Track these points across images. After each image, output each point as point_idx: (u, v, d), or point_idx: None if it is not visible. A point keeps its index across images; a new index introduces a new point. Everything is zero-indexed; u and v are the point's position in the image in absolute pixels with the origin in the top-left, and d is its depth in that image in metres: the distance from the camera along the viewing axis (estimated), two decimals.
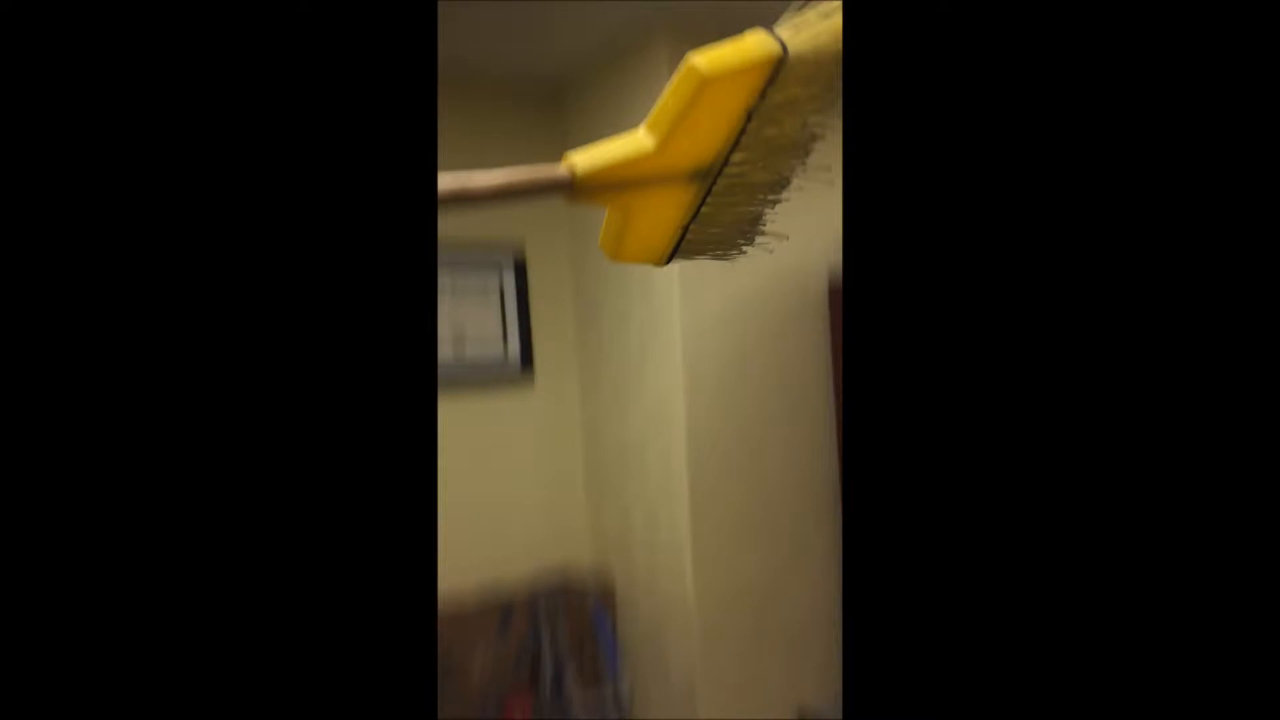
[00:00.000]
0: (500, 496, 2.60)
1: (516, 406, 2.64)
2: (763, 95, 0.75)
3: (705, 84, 0.73)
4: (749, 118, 0.76)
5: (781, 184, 0.85)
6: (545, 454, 2.69)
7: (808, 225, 2.21)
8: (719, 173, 0.80)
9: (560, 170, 0.75)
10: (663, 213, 0.81)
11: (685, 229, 0.84)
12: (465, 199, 0.72)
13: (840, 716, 2.20)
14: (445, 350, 2.50)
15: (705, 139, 0.77)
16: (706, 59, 0.73)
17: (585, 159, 0.76)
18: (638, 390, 2.40)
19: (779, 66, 0.74)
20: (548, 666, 2.34)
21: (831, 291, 2.36)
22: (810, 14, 0.76)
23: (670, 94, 0.74)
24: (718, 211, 0.83)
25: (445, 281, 2.51)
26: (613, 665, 2.41)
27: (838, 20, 0.75)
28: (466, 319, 2.54)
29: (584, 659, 2.40)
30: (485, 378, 2.57)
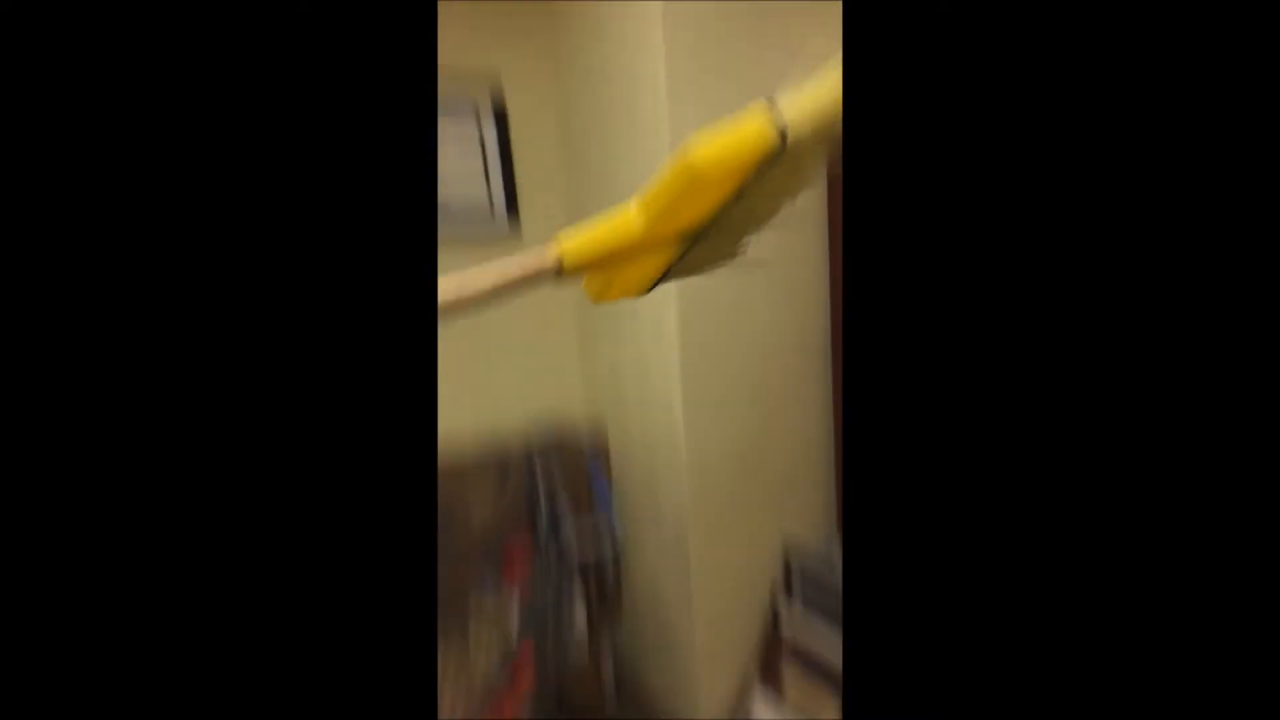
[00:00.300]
0: (492, 354, 2.61)
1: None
2: (758, 172, 0.69)
3: (700, 179, 0.69)
4: (742, 189, 0.70)
5: (769, 220, 0.79)
6: (535, 310, 2.67)
7: None
8: (709, 225, 0.74)
9: (550, 263, 0.75)
10: (647, 265, 0.78)
11: (669, 268, 0.79)
12: (466, 305, 0.73)
13: (824, 551, 2.35)
14: None
15: (696, 214, 0.73)
16: (703, 157, 0.68)
17: (574, 249, 0.75)
18: None
19: (778, 152, 0.67)
20: (544, 514, 2.47)
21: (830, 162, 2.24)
22: (813, 79, 0.67)
23: (665, 184, 0.71)
24: (703, 252, 0.78)
25: None
26: (606, 509, 2.54)
27: (838, 78, 0.66)
28: (446, 171, 2.42)
29: (579, 506, 2.53)
30: (470, 232, 2.49)
